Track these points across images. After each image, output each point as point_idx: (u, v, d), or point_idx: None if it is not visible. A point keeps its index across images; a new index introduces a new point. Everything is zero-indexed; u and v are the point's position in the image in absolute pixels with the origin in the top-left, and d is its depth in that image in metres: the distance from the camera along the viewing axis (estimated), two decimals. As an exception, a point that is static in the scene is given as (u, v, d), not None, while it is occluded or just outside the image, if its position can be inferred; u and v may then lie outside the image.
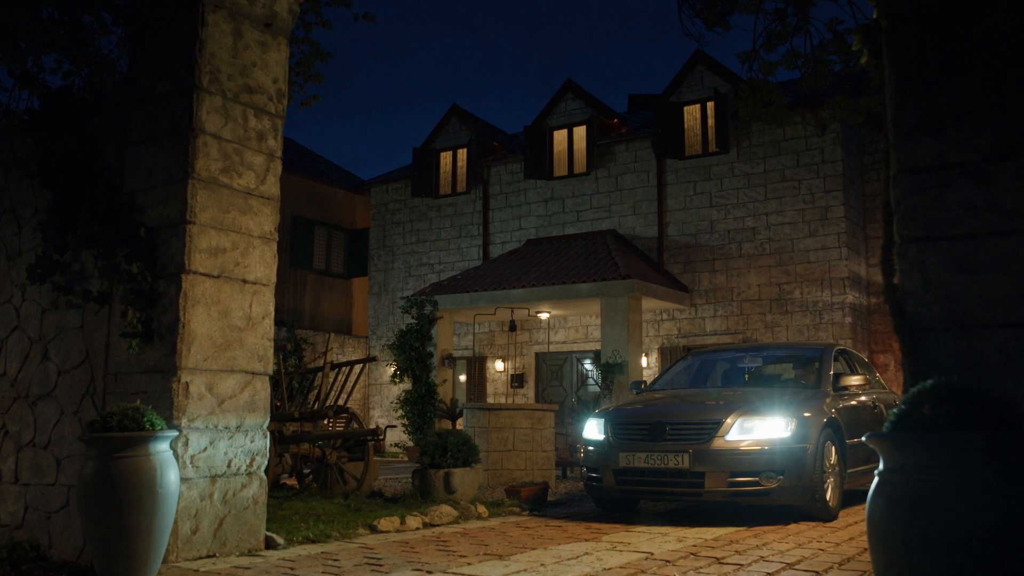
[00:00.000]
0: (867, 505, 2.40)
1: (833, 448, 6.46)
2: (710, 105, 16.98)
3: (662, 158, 17.37)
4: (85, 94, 5.33)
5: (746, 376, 8.00)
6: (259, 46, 5.19)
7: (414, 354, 15.09)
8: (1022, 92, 2.76)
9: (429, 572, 4.27)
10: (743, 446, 6.10)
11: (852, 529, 5.74)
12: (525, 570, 4.30)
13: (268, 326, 5.11)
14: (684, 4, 7.16)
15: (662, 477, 6.28)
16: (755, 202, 16.37)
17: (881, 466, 2.39)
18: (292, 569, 4.35)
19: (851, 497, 7.18)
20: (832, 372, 7.20)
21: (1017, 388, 2.64)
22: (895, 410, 2.43)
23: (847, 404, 7.03)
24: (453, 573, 4.25)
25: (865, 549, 4.82)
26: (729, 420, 6.20)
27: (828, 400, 6.73)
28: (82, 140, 5.22)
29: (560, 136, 18.88)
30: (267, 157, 5.19)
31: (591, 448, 6.81)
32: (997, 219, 2.75)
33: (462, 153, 20.32)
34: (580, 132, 18.62)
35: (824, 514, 6.15)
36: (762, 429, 6.13)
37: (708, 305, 16.62)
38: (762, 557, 4.60)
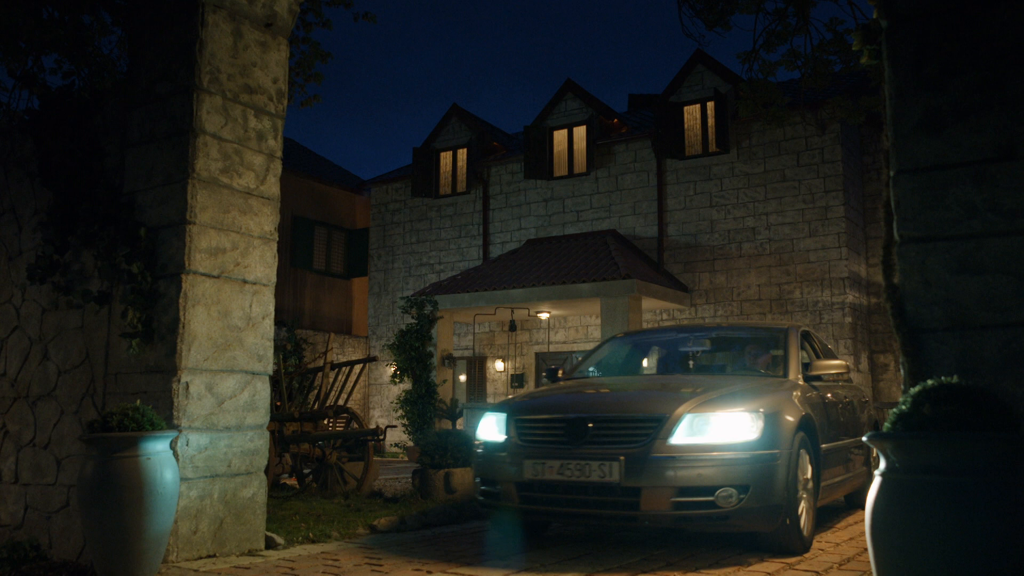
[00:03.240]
0: (867, 505, 2.40)
1: (807, 456, 4.90)
2: (710, 105, 16.98)
3: (662, 158, 17.37)
4: (85, 94, 5.33)
5: (690, 363, 6.37)
6: (259, 46, 5.19)
7: (414, 354, 15.09)
8: (1022, 92, 2.76)
9: (429, 572, 4.27)
10: (695, 452, 4.44)
11: (852, 529, 5.74)
12: (527, 569, 4.30)
13: (268, 326, 5.10)
14: (684, 4, 7.16)
15: (582, 494, 4.55)
16: (755, 202, 16.36)
17: (882, 466, 2.39)
18: (292, 569, 4.35)
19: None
20: (799, 357, 5.71)
21: (1017, 388, 2.64)
22: (895, 410, 2.43)
23: (820, 398, 5.51)
24: (453, 574, 4.24)
25: (865, 549, 4.82)
26: (676, 416, 4.52)
27: (799, 393, 5.15)
28: (82, 140, 5.21)
29: (560, 136, 18.87)
30: (267, 157, 5.19)
31: (486, 452, 5.07)
32: (997, 219, 2.75)
33: (462, 153, 20.32)
34: (580, 132, 18.62)
35: (798, 543, 4.66)
36: (721, 428, 4.49)
37: (708, 305, 16.61)
38: (762, 556, 4.59)
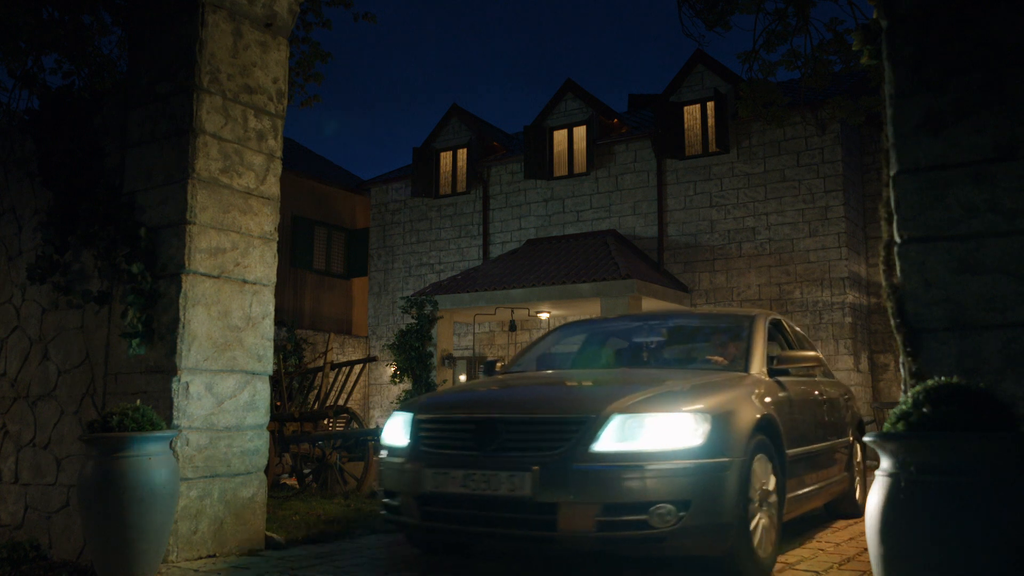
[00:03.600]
0: (868, 505, 2.40)
1: (767, 464, 4.13)
2: (710, 105, 16.98)
3: (662, 158, 17.37)
4: (85, 94, 5.33)
5: (645, 355, 5.50)
6: (259, 46, 5.19)
7: (414, 354, 15.08)
8: (1022, 92, 2.76)
9: (428, 572, 4.27)
10: (625, 460, 3.67)
11: (852, 529, 5.74)
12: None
13: (268, 326, 5.10)
14: (684, 4, 7.16)
15: (490, 511, 3.82)
16: (755, 202, 16.36)
17: (882, 466, 2.39)
18: (292, 569, 4.35)
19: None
20: (764, 349, 4.89)
21: (1017, 388, 2.65)
22: (895, 410, 2.43)
23: (787, 396, 4.71)
24: (453, 573, 4.24)
25: (865, 549, 4.82)
26: (604, 417, 3.77)
27: (760, 390, 4.40)
28: (82, 140, 5.21)
29: (560, 136, 18.88)
30: (267, 157, 5.19)
31: (388, 458, 4.31)
32: (997, 219, 2.75)
33: (462, 153, 20.32)
34: (580, 132, 18.62)
35: (750, 568, 3.91)
36: (657, 432, 3.73)
37: (708, 305, 16.61)
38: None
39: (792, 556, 4.64)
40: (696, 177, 17.06)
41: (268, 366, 5.10)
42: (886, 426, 2.41)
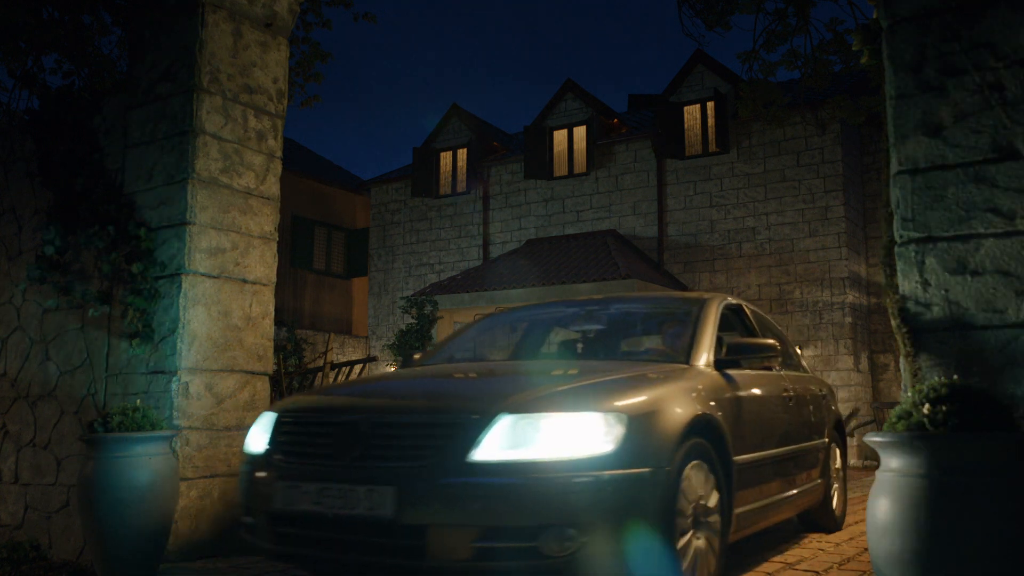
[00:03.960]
0: (868, 505, 2.40)
1: (707, 474, 3.44)
2: (710, 105, 16.99)
3: (662, 158, 17.37)
4: (85, 94, 5.34)
5: (577, 344, 4.93)
6: (259, 46, 5.19)
7: (414, 354, 15.05)
8: (1021, 93, 2.76)
9: (429, 572, 4.25)
10: (511, 472, 2.96)
11: (852, 529, 5.74)
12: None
13: (268, 326, 5.11)
14: (684, 4, 7.17)
15: (347, 534, 3.13)
16: (755, 202, 16.37)
17: (882, 466, 2.39)
18: (292, 569, 4.35)
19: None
20: (713, 338, 4.15)
21: (1017, 389, 2.65)
22: (896, 410, 2.43)
23: (737, 392, 3.98)
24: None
25: (865, 549, 4.82)
26: (488, 418, 3.06)
27: (703, 384, 3.69)
28: (82, 140, 5.22)
29: (560, 136, 18.88)
30: (267, 157, 5.19)
31: (247, 468, 3.61)
32: (997, 219, 2.75)
33: (462, 153, 20.32)
34: (580, 132, 18.63)
35: None
36: (556, 437, 3.01)
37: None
38: (762, 556, 4.60)
39: (792, 556, 4.64)
40: (696, 177, 17.07)
41: (268, 366, 5.10)
42: (886, 426, 2.41)
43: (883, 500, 2.34)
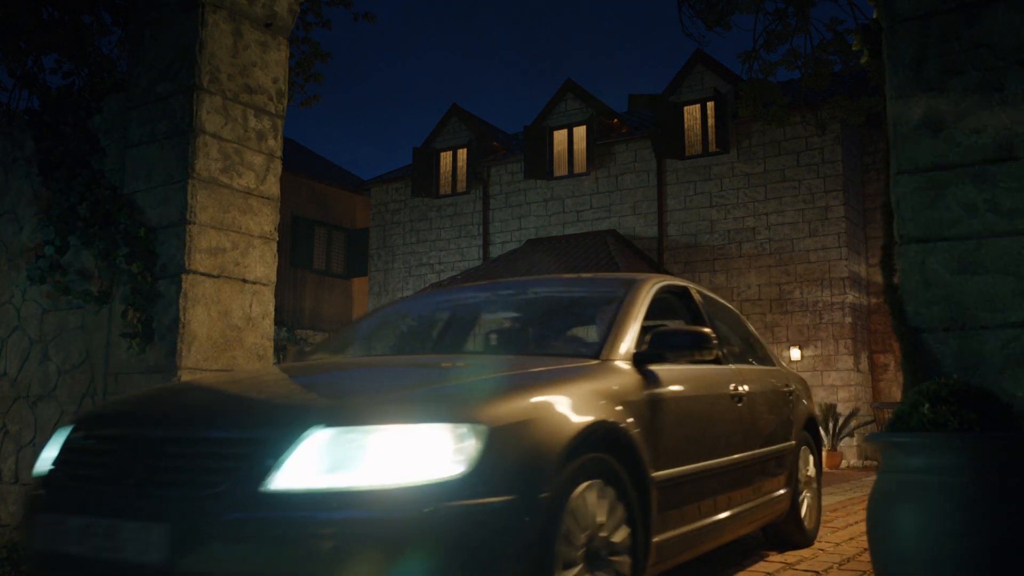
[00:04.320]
0: (868, 505, 2.40)
1: (611, 498, 2.73)
2: (710, 105, 16.99)
3: (662, 158, 17.38)
4: (85, 94, 5.34)
5: (491, 337, 4.20)
6: (259, 46, 5.19)
7: (414, 354, 15.05)
8: (1022, 92, 2.76)
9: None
10: (324, 505, 2.20)
11: (852, 529, 5.74)
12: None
13: (268, 326, 5.11)
14: (684, 4, 7.17)
15: None
16: (755, 202, 16.37)
17: (882, 466, 2.39)
18: None
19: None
20: (636, 327, 3.39)
21: (1017, 388, 2.65)
22: (895, 410, 2.43)
23: (664, 393, 3.24)
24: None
25: (865, 549, 4.82)
26: (294, 433, 2.31)
27: (612, 384, 3.00)
28: (82, 140, 5.22)
29: (560, 136, 18.88)
30: (267, 157, 5.19)
31: (31, 492, 2.85)
32: (997, 219, 2.75)
33: (462, 153, 20.33)
34: (580, 132, 18.63)
35: None
36: (386, 457, 2.27)
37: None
38: (762, 556, 4.59)
39: (792, 556, 4.64)
40: (696, 177, 17.07)
41: (268, 366, 5.10)
42: (885, 427, 2.41)
43: (882, 500, 2.34)
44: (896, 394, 15.23)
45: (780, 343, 15.66)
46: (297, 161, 22.14)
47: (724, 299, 5.11)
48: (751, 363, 4.65)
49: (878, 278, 15.71)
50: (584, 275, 4.73)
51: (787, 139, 16.11)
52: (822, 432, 14.18)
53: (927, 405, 2.32)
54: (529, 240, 18.84)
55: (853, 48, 3.52)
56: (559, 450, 2.47)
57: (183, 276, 4.65)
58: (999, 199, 2.74)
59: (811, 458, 5.08)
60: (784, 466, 4.51)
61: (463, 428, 2.31)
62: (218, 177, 4.87)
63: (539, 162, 18.74)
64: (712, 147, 16.87)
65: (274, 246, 5.23)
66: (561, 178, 18.73)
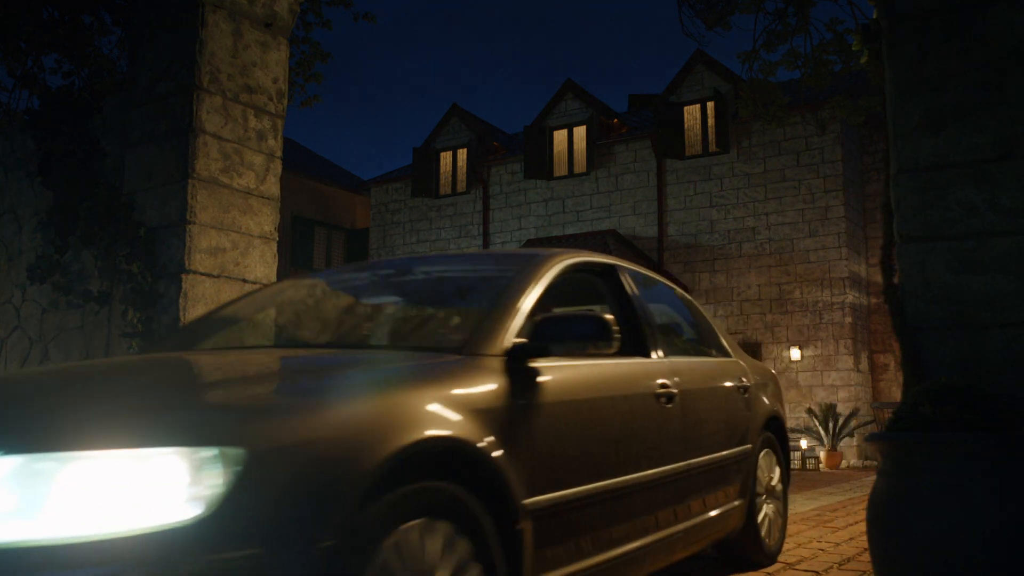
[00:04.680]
0: (868, 505, 2.40)
1: (451, 543, 2.02)
2: (710, 105, 16.99)
3: (662, 158, 17.38)
4: (85, 94, 5.34)
5: (346, 327, 3.57)
6: (259, 46, 5.19)
7: (414, 354, 15.06)
8: (1021, 92, 2.76)
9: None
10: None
11: (852, 529, 5.74)
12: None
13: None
14: (684, 4, 7.17)
15: None
16: (755, 202, 16.37)
17: (882, 466, 2.39)
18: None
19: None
20: (519, 314, 2.66)
21: (1018, 388, 2.64)
22: (895, 410, 2.43)
23: (549, 395, 2.54)
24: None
25: (865, 549, 4.82)
26: None
27: (477, 385, 2.31)
28: (82, 140, 5.22)
29: (560, 136, 18.89)
30: (267, 157, 5.19)
31: None
32: (997, 219, 2.75)
33: (462, 153, 20.33)
34: (580, 132, 18.63)
35: None
36: (87, 497, 1.53)
37: (708, 305, 16.61)
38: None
39: (792, 556, 4.63)
40: (696, 177, 17.07)
41: (268, 366, 5.10)
42: (886, 427, 2.41)
43: (882, 500, 2.34)
44: (896, 394, 15.23)
45: (780, 343, 15.67)
46: (297, 161, 22.14)
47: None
48: (704, 354, 4.15)
49: (878, 278, 15.71)
50: (486, 251, 4.19)
51: (787, 139, 16.11)
52: (821, 431, 14.24)
53: (928, 405, 2.32)
54: (529, 240, 18.84)
55: (853, 48, 3.52)
56: (361, 480, 1.79)
57: (183, 276, 4.65)
58: (999, 198, 2.74)
59: (775, 463, 4.36)
60: (736, 475, 3.81)
61: (207, 453, 1.64)
62: (218, 177, 4.87)
63: (539, 162, 18.74)
64: (712, 147, 16.87)
65: (274, 246, 5.23)
66: (561, 178, 18.73)
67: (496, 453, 2.20)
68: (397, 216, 21.20)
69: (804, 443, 14.25)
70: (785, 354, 15.55)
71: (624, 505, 2.88)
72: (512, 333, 2.56)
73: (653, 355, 3.29)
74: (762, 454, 4.14)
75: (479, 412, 2.22)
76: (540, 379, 2.53)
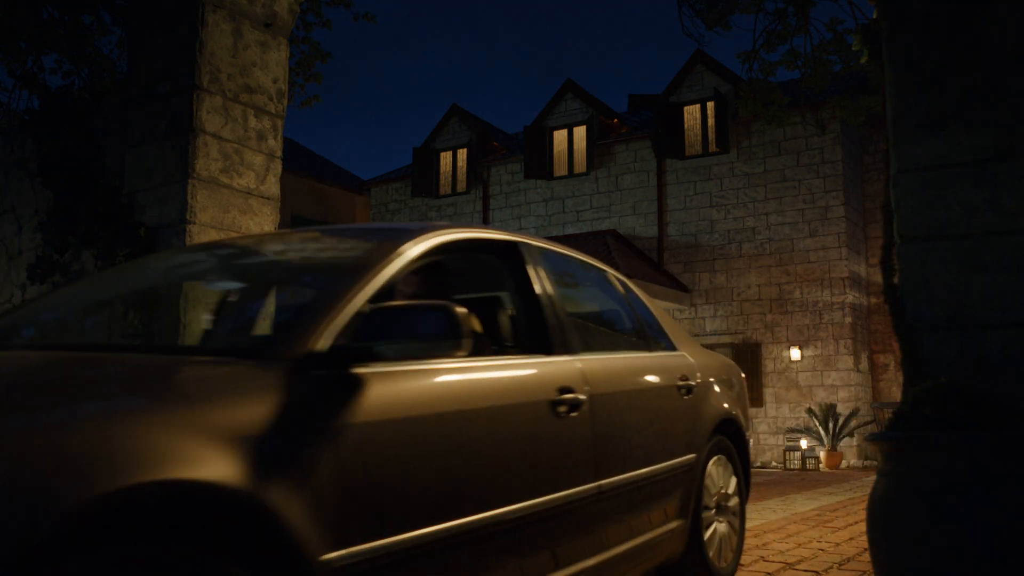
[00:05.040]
0: (868, 505, 2.40)
1: None
2: (710, 105, 17.00)
3: (662, 158, 17.39)
4: (85, 94, 5.34)
5: (140, 322, 3.45)
6: (259, 46, 5.19)
7: (414, 354, 15.05)
8: (1021, 92, 2.76)
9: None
10: None
11: (852, 529, 5.74)
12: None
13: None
14: (684, 4, 7.17)
15: None
16: (755, 202, 16.37)
17: (882, 466, 2.39)
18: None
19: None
20: (353, 307, 2.03)
21: (1018, 388, 2.64)
22: (895, 410, 2.43)
23: (378, 412, 1.91)
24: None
25: (865, 549, 4.82)
26: None
27: (265, 403, 1.70)
28: (82, 140, 5.22)
29: (560, 136, 18.89)
30: (267, 157, 5.19)
31: None
32: (997, 219, 2.75)
33: (462, 153, 20.34)
34: (580, 132, 18.64)
35: None
36: None
37: (708, 305, 16.62)
38: (762, 557, 4.60)
39: (792, 556, 4.64)
40: (696, 177, 17.07)
41: (268, 366, 5.10)
42: (885, 426, 2.41)
43: (882, 500, 2.34)
44: (896, 394, 15.23)
45: (780, 343, 15.67)
46: (297, 161, 22.14)
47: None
48: (643, 349, 3.59)
49: (878, 278, 15.71)
50: (353, 226, 3.11)
51: (787, 139, 16.11)
52: (821, 431, 14.24)
53: (928, 405, 2.32)
54: (529, 240, 18.85)
55: (853, 48, 3.52)
56: (15, 547, 1.22)
57: (183, 276, 4.66)
58: (999, 198, 2.74)
59: (730, 473, 3.75)
60: (675, 490, 3.25)
61: None
62: (218, 177, 4.87)
63: (539, 162, 18.75)
64: (712, 147, 16.87)
65: (274, 246, 5.23)
66: (561, 178, 18.73)
67: (276, 495, 1.62)
68: (397, 216, 21.20)
69: (804, 443, 14.25)
70: (785, 354, 15.55)
71: (497, 547, 2.26)
72: (332, 332, 1.95)
73: (558, 355, 2.70)
74: (712, 463, 3.55)
75: (255, 440, 1.64)
76: (366, 391, 1.92)
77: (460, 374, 2.26)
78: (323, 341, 1.92)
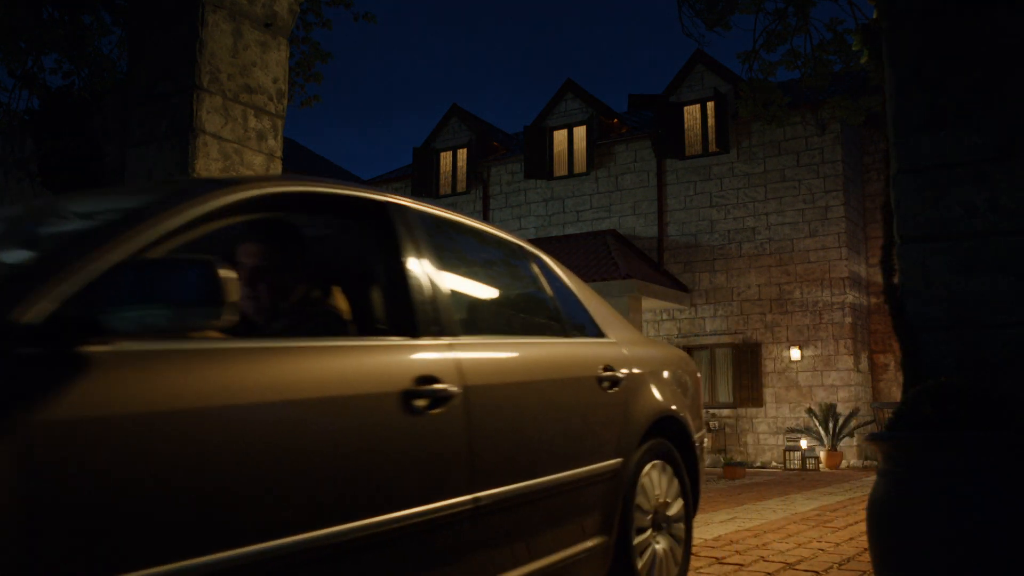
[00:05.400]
0: (868, 505, 2.40)
1: None
2: (710, 105, 17.00)
3: (662, 158, 17.39)
4: (85, 94, 5.34)
5: None
6: (259, 46, 5.19)
7: (414, 354, 15.03)
8: (1021, 92, 2.76)
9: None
10: None
11: (852, 529, 5.74)
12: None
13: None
14: (684, 4, 7.17)
15: None
16: (755, 202, 16.37)
17: (882, 466, 2.39)
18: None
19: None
20: (90, 270, 1.51)
21: (1018, 388, 2.64)
22: (895, 409, 2.43)
23: (128, 408, 1.43)
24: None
25: (865, 549, 4.82)
26: None
27: None
28: (82, 140, 5.22)
29: (560, 136, 18.89)
30: (267, 157, 5.19)
31: None
32: (997, 219, 2.75)
33: (462, 153, 20.34)
34: (580, 132, 18.64)
35: None
36: None
37: (708, 305, 16.62)
38: (762, 557, 4.60)
39: (792, 556, 4.64)
40: (696, 177, 17.07)
41: (268, 366, 5.09)
42: (886, 426, 2.41)
43: (882, 499, 2.34)
44: (896, 394, 15.23)
45: (780, 343, 15.67)
46: (297, 161, 22.14)
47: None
48: (556, 334, 3.09)
49: (878, 278, 15.71)
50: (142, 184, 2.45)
51: (787, 139, 16.11)
52: (821, 431, 14.24)
53: (928, 405, 2.32)
54: (529, 240, 18.84)
55: (853, 48, 3.52)
56: None
57: (183, 276, 4.66)
58: (999, 198, 2.74)
59: (672, 480, 3.21)
60: (594, 501, 2.75)
61: None
62: (218, 177, 4.88)
63: (539, 162, 18.75)
64: (712, 147, 16.87)
65: (274, 246, 5.23)
66: (561, 178, 18.74)
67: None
68: (397, 216, 21.19)
69: (804, 443, 14.25)
70: (785, 354, 15.55)
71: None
72: (54, 299, 1.46)
73: (424, 337, 2.20)
74: (647, 469, 3.01)
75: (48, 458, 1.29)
76: (99, 375, 1.44)
77: (253, 357, 1.76)
78: (36, 310, 1.42)
